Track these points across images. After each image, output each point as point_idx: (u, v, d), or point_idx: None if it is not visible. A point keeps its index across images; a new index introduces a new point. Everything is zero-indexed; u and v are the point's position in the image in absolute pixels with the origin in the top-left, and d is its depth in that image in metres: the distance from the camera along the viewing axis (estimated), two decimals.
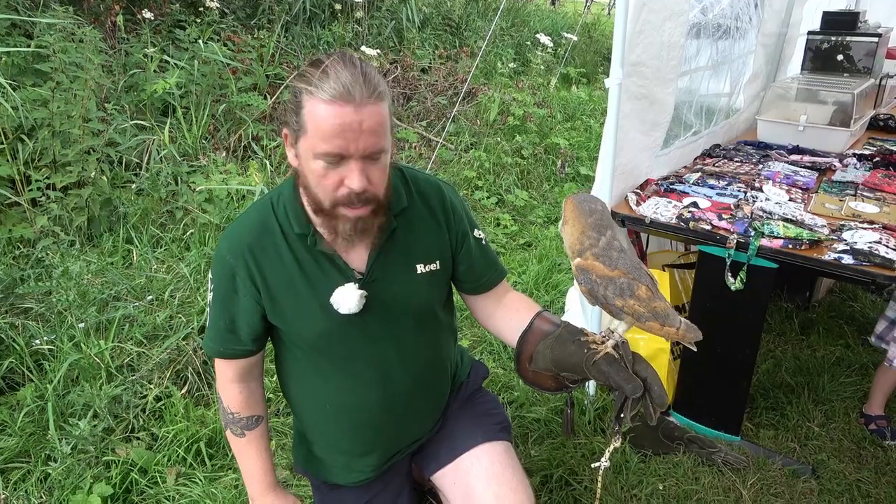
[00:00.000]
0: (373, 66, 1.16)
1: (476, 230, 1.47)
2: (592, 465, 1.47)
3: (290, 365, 1.43)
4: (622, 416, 1.16)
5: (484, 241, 1.48)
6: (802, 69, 3.27)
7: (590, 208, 1.13)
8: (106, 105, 3.51)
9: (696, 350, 1.19)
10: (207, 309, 1.36)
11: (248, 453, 1.46)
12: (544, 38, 6.25)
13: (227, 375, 1.40)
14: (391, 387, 1.40)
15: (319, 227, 1.27)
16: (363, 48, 5.13)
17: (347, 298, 1.27)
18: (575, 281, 1.14)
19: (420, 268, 1.36)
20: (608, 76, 2.01)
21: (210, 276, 1.34)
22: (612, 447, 1.22)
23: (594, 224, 1.12)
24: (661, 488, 2.05)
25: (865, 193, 2.34)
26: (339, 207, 1.19)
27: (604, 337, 1.20)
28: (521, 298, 1.49)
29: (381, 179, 1.21)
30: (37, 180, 3.01)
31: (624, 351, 1.16)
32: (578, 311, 2.41)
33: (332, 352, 1.35)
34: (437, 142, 4.58)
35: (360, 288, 1.29)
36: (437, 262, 1.39)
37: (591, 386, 2.40)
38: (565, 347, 1.22)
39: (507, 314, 1.45)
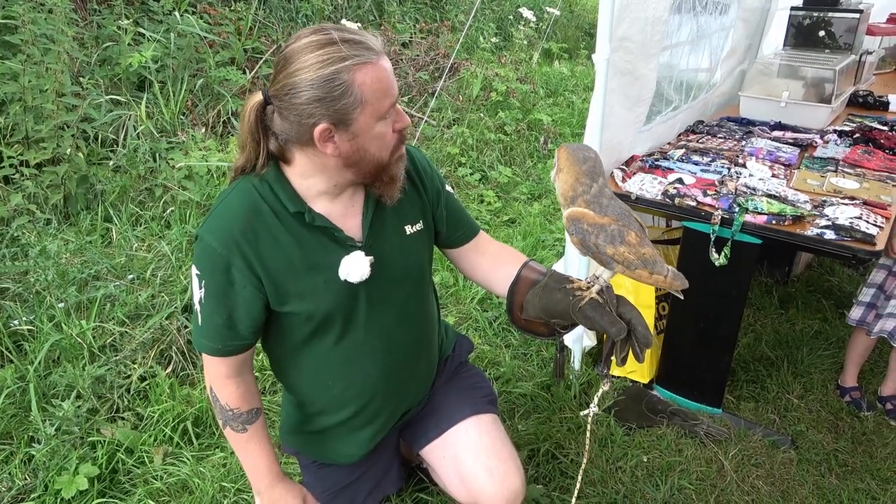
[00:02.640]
0: None
1: (447, 185, 1.50)
2: (581, 413, 1.50)
3: (290, 348, 1.39)
4: (611, 358, 1.20)
5: (455, 196, 1.52)
6: (784, 45, 3.28)
7: (584, 156, 1.15)
8: (80, 79, 3.41)
9: (682, 298, 1.22)
10: (197, 307, 1.27)
11: (251, 448, 1.42)
12: (527, 13, 6.18)
13: (222, 371, 1.34)
14: (394, 353, 1.41)
15: (374, 187, 1.29)
16: (343, 21, 5.03)
17: (357, 266, 1.27)
18: (566, 233, 1.16)
19: (408, 228, 1.39)
20: (590, 52, 2.00)
21: (196, 272, 1.25)
22: (600, 391, 1.27)
23: (588, 171, 1.14)
24: (645, 460, 2.09)
25: (846, 169, 2.36)
26: (394, 154, 1.24)
27: (588, 283, 1.23)
28: (506, 249, 1.52)
29: None
30: (9, 157, 2.92)
31: (608, 295, 1.20)
32: None
33: (337, 326, 1.33)
34: (420, 118, 4.54)
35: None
36: (421, 222, 1.42)
37: (577, 361, 2.43)
38: (552, 295, 1.27)
39: (493, 266, 1.48)
